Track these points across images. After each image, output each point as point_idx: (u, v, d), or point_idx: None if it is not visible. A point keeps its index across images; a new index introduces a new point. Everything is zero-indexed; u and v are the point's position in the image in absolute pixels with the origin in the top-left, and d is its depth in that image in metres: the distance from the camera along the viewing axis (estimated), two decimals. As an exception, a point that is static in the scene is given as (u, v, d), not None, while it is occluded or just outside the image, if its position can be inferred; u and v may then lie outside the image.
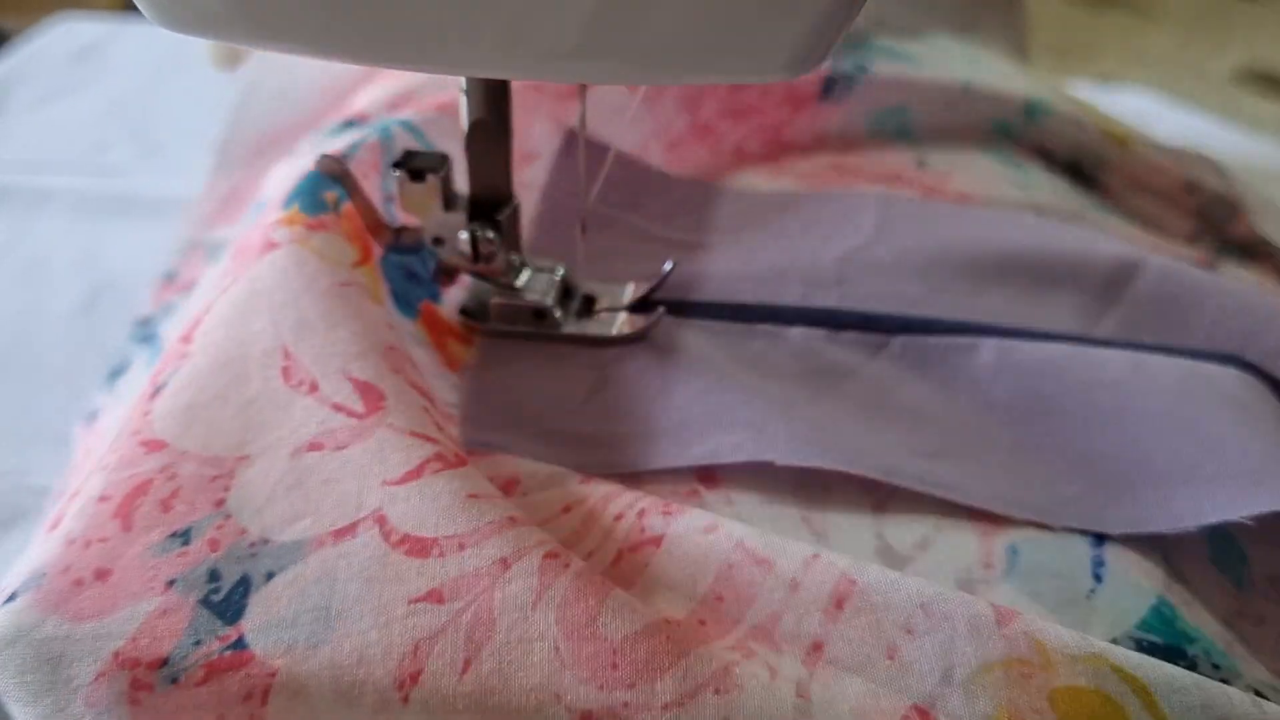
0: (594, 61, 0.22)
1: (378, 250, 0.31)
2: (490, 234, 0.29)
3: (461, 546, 0.23)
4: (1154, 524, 0.26)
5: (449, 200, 0.29)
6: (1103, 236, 0.37)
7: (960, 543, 0.26)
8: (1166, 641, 0.24)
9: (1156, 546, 0.26)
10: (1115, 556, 0.26)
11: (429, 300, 0.31)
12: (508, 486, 0.27)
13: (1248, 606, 0.26)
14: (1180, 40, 0.59)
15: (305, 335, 0.26)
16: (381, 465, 0.25)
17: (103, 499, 0.24)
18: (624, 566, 0.24)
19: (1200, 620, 0.25)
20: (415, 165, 0.28)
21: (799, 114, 0.41)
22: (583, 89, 0.29)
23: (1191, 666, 0.24)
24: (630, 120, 0.32)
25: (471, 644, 0.22)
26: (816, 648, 0.22)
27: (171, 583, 0.23)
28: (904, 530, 0.26)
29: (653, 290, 0.31)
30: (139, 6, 0.23)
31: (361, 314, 0.27)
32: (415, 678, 0.22)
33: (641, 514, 0.25)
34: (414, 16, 0.21)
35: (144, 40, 0.70)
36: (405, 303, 0.31)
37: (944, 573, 0.26)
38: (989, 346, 0.31)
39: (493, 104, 0.28)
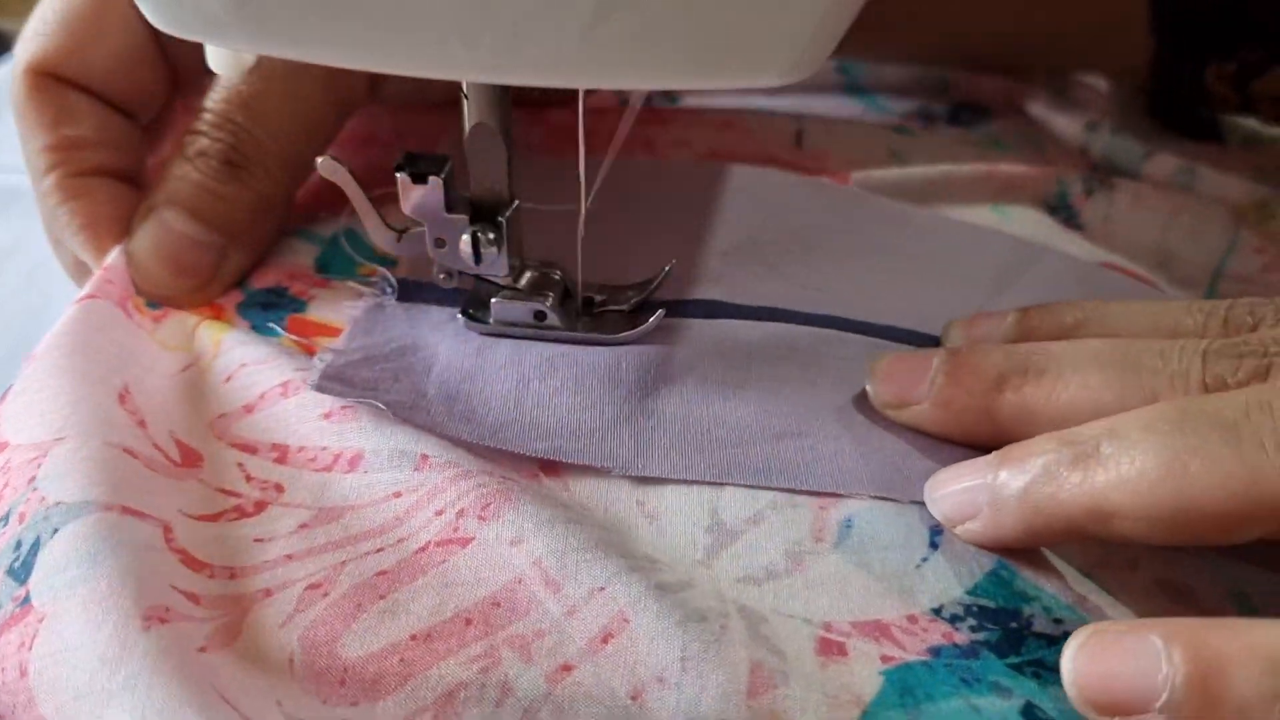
0: (594, 65, 0.22)
1: (235, 300, 0.33)
2: (491, 235, 0.29)
3: (233, 576, 0.25)
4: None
5: (451, 202, 0.29)
6: (1000, 237, 0.38)
7: (795, 517, 0.26)
8: (999, 604, 0.24)
9: None
10: None
11: (294, 313, 0.33)
12: (354, 461, 0.27)
13: (1116, 555, 0.26)
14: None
15: (144, 387, 0.29)
16: (183, 500, 0.26)
17: None
18: (426, 557, 0.25)
19: (1051, 578, 0.25)
20: (418, 168, 0.29)
21: None
22: (582, 94, 0.30)
23: (1027, 625, 0.24)
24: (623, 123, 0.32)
25: (215, 639, 0.23)
26: (566, 668, 0.23)
27: None
28: (739, 506, 0.27)
29: (652, 291, 0.31)
30: (141, 9, 0.23)
31: (196, 390, 0.30)
32: (162, 619, 0.23)
33: (461, 513, 0.26)
34: (415, 20, 0.22)
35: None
36: (268, 329, 0.32)
37: (772, 544, 0.26)
38: (857, 342, 0.32)
39: (494, 106, 0.28)
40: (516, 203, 0.30)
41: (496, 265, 0.30)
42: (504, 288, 0.31)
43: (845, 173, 0.41)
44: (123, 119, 0.34)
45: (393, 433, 0.28)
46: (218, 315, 0.33)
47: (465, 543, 0.25)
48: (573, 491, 0.27)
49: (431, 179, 0.29)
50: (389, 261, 0.34)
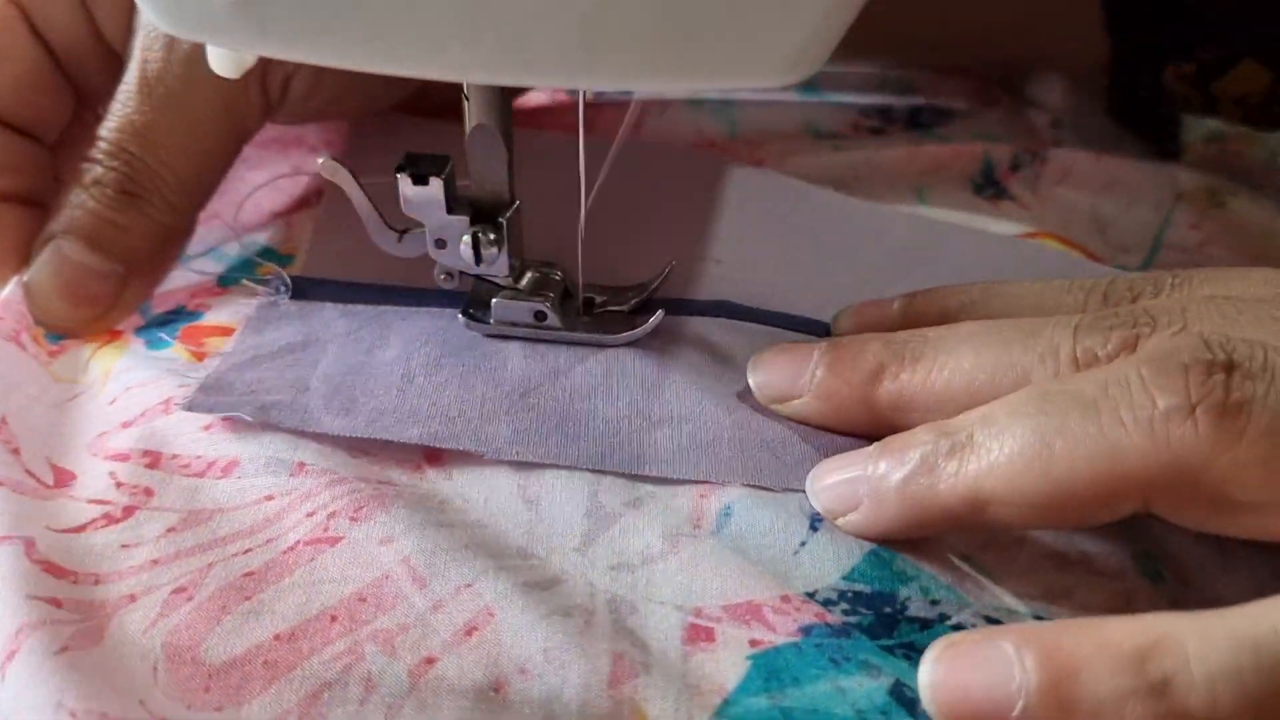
0: (594, 65, 0.22)
1: (135, 324, 0.33)
2: (492, 236, 0.29)
3: (97, 581, 0.25)
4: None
5: (452, 203, 0.29)
6: (910, 219, 0.38)
7: (674, 505, 0.27)
8: (875, 588, 0.25)
9: None
10: None
11: (189, 323, 0.33)
12: (228, 468, 0.28)
13: (1001, 534, 0.26)
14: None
15: (27, 416, 0.30)
16: (50, 517, 0.26)
17: None
18: (294, 557, 0.25)
19: (931, 559, 0.26)
20: (419, 169, 0.29)
21: None
22: (581, 94, 0.30)
23: (901, 609, 0.24)
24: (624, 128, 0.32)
25: (74, 641, 0.23)
26: (429, 661, 0.23)
27: None
28: (619, 490, 0.27)
29: (653, 291, 0.31)
30: (141, 10, 0.23)
31: (80, 416, 0.30)
32: (10, 653, 0.22)
33: (332, 515, 0.26)
34: (416, 21, 0.22)
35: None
36: (159, 341, 0.32)
37: (650, 528, 0.26)
38: (748, 329, 0.32)
39: (494, 107, 0.28)
40: (517, 203, 0.30)
41: (497, 266, 0.30)
42: (504, 288, 0.31)
43: (764, 162, 0.41)
44: (26, 142, 0.34)
45: (270, 441, 0.28)
46: (115, 338, 0.33)
47: (334, 542, 0.25)
48: (455, 480, 0.28)
49: (433, 180, 0.29)
50: (287, 260, 0.34)
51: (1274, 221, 0.41)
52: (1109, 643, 0.19)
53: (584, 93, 0.30)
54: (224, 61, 0.27)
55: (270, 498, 0.27)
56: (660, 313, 0.31)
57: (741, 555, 0.25)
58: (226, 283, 0.34)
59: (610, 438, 0.28)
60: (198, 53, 0.31)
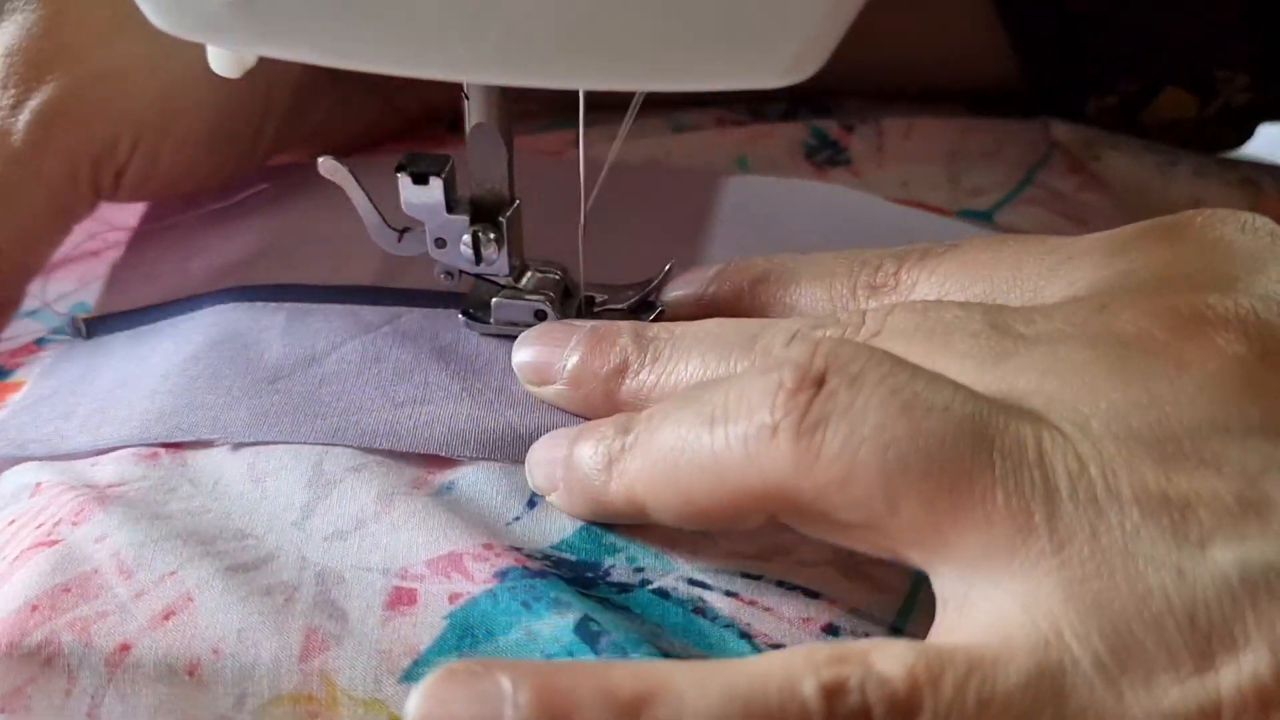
0: (593, 65, 0.22)
1: None
2: (492, 235, 0.29)
3: None
4: None
5: (451, 202, 0.29)
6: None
7: (397, 471, 0.27)
8: (580, 558, 0.25)
9: None
10: None
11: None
12: None
13: None
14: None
15: None
16: None
17: None
18: (14, 565, 0.26)
19: (648, 530, 0.25)
20: (418, 168, 0.29)
21: None
22: (582, 94, 0.30)
23: (604, 576, 0.25)
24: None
25: None
26: (124, 648, 0.23)
27: None
28: (345, 459, 0.27)
29: (651, 291, 0.31)
30: (141, 10, 0.23)
31: None
32: None
33: (57, 523, 0.26)
34: (416, 20, 0.22)
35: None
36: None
37: (367, 489, 0.26)
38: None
39: (494, 107, 0.28)
40: (517, 203, 0.30)
41: (497, 265, 0.30)
42: (504, 287, 0.31)
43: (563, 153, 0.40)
44: None
45: (19, 471, 0.29)
46: None
47: (52, 544, 0.26)
48: (189, 466, 0.28)
49: (432, 179, 0.29)
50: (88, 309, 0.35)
51: (1150, 178, 0.40)
52: (606, 688, 0.19)
53: (583, 92, 0.30)
54: (224, 61, 0.27)
55: (12, 522, 0.27)
56: (660, 311, 0.31)
57: (453, 513, 0.26)
58: (45, 342, 0.35)
59: (349, 416, 0.28)
60: (21, 156, 0.32)
